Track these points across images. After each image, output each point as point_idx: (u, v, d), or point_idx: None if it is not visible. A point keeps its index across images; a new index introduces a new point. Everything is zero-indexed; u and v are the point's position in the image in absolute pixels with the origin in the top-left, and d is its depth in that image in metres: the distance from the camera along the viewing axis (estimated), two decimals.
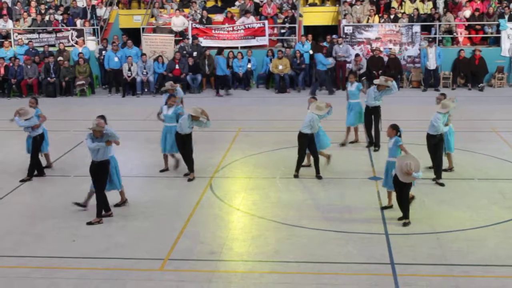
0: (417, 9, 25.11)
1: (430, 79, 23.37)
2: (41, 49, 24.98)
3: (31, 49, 24.73)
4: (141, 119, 18.92)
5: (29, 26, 26.16)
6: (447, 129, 12.96)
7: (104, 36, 25.73)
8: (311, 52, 23.87)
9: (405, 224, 10.80)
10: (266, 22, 24.91)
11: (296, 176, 13.51)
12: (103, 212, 11.34)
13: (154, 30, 25.83)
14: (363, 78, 22.51)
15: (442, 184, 12.78)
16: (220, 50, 23.90)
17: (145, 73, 23.57)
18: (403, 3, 25.80)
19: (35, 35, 25.71)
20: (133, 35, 25.55)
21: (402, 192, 10.82)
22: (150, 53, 24.32)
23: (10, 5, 27.62)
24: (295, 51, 23.73)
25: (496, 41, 24.43)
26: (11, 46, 25.13)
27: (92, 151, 11.11)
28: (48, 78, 23.54)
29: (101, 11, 26.85)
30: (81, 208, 11.72)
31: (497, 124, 17.65)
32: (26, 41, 25.19)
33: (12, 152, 15.26)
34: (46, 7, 27.30)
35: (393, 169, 11.13)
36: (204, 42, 24.82)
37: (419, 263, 9.46)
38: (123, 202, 12.02)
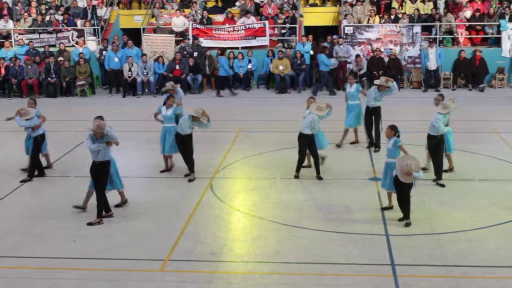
0: (417, 9, 25.11)
1: (430, 80, 23.37)
2: (42, 49, 24.97)
3: (31, 49, 24.73)
4: (141, 119, 18.90)
5: (30, 26, 26.17)
6: (448, 129, 12.95)
7: (104, 36, 25.73)
8: (311, 52, 23.88)
9: (407, 225, 10.80)
10: (266, 22, 24.90)
11: (296, 176, 13.51)
12: (104, 213, 11.34)
13: (155, 31, 25.83)
14: (363, 79, 22.52)
15: (442, 185, 12.78)
16: (222, 50, 23.91)
17: (145, 73, 23.57)
18: (403, 3, 25.80)
19: (35, 35, 25.70)
20: (134, 36, 25.54)
21: (403, 192, 10.82)
22: (151, 54, 24.31)
23: (10, 5, 27.63)
24: (296, 52, 23.73)
25: (497, 42, 24.42)
26: (11, 46, 25.13)
27: (92, 152, 11.12)
28: (49, 78, 23.54)
29: (101, 11, 26.85)
30: (81, 210, 11.73)
31: (498, 125, 17.64)
32: (27, 41, 25.19)
33: (12, 153, 15.25)
34: (47, 7, 27.31)
35: (392, 170, 11.14)
36: (204, 42, 24.81)
37: (419, 264, 9.46)
38: (123, 203, 12.03)
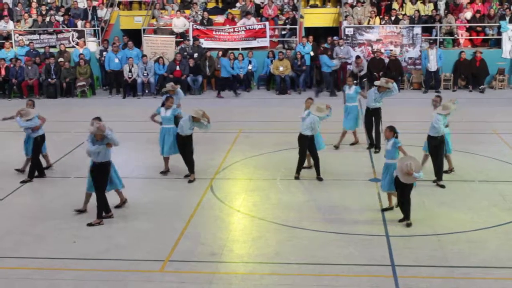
0: (418, 10, 25.10)
1: (431, 81, 23.36)
2: (42, 50, 24.97)
3: (32, 50, 24.73)
4: (141, 120, 18.85)
5: (30, 27, 26.17)
6: (448, 130, 12.95)
7: (105, 37, 25.73)
8: (312, 53, 23.88)
9: (408, 225, 10.80)
10: (267, 23, 24.91)
11: (297, 177, 13.51)
12: (104, 214, 11.34)
13: (155, 31, 25.83)
14: (364, 80, 22.54)
15: (442, 186, 12.78)
16: (225, 52, 23.92)
17: (145, 74, 23.57)
18: (404, 4, 25.80)
19: (36, 36, 25.70)
20: (134, 36, 25.55)
21: (404, 193, 10.82)
22: (151, 54, 24.32)
23: (11, 6, 27.63)
24: (296, 53, 23.73)
25: (497, 43, 24.41)
26: (12, 47, 25.14)
27: (92, 153, 11.11)
28: (49, 79, 23.54)
29: (102, 12, 26.86)
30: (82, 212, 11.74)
31: (498, 126, 17.64)
32: (27, 42, 25.19)
33: (12, 153, 15.24)
34: (47, 8, 27.32)
35: (391, 171, 11.15)
36: (205, 43, 24.82)
37: (419, 265, 9.45)
38: (123, 203, 12.03)
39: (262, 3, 26.43)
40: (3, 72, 23.78)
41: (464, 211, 11.59)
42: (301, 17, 25.93)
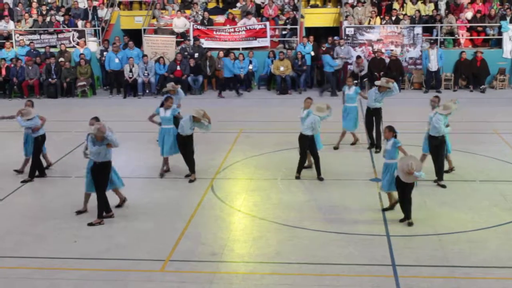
0: (418, 10, 25.08)
1: (431, 81, 23.35)
2: (43, 50, 24.97)
3: (32, 50, 24.73)
4: (142, 120, 18.84)
5: (31, 27, 26.17)
6: (448, 130, 12.93)
7: (105, 37, 25.73)
8: (312, 53, 23.88)
9: (409, 224, 10.80)
10: (267, 23, 24.90)
11: (297, 177, 13.50)
12: (104, 213, 11.33)
13: (156, 31, 25.83)
14: (364, 80, 22.53)
15: (443, 186, 12.77)
16: (227, 52, 23.93)
17: (146, 74, 23.57)
18: (404, 4, 25.79)
19: (36, 36, 25.70)
20: (135, 36, 25.54)
21: (405, 192, 10.81)
22: (152, 54, 24.32)
23: (11, 6, 27.63)
24: (297, 53, 23.72)
25: (498, 43, 24.40)
26: (12, 47, 25.14)
27: (93, 154, 11.09)
28: (49, 79, 23.54)
29: (102, 12, 26.86)
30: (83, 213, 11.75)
31: (499, 126, 17.63)
32: (28, 42, 25.19)
33: (12, 153, 15.23)
34: (48, 8, 27.31)
35: (390, 171, 11.15)
36: (205, 43, 24.81)
37: (420, 264, 9.45)
38: (122, 202, 12.00)
39: (263, 3, 26.43)
40: (3, 72, 23.78)
41: (465, 211, 11.58)
42: (302, 17, 25.92)
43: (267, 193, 12.73)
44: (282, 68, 23.38)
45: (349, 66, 23.67)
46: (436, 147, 12.73)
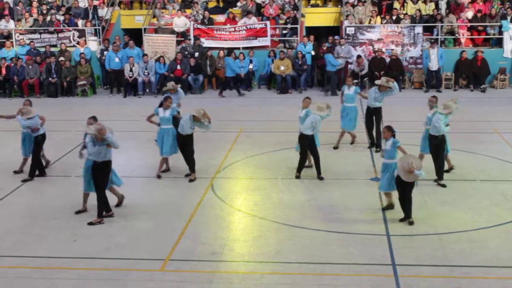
0: (419, 10, 25.07)
1: (432, 80, 23.34)
2: (43, 49, 24.96)
3: (32, 49, 24.73)
4: (142, 119, 18.85)
5: (31, 26, 26.16)
6: (448, 130, 12.91)
7: (105, 37, 25.72)
8: (313, 53, 23.87)
9: (410, 223, 10.79)
10: (268, 22, 24.89)
11: (297, 177, 13.49)
12: (104, 213, 11.32)
13: (156, 31, 25.82)
14: (365, 79, 22.51)
15: (444, 185, 12.76)
16: (229, 51, 23.92)
17: (146, 73, 23.56)
18: (405, 4, 25.77)
19: (36, 35, 25.70)
20: (135, 36, 25.54)
21: (405, 192, 10.80)
22: (152, 54, 24.31)
23: (12, 5, 27.64)
24: (297, 52, 23.70)
25: (498, 42, 24.37)
26: (12, 46, 25.14)
27: (93, 153, 11.07)
28: (50, 78, 23.54)
29: (102, 12, 26.85)
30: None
31: (499, 126, 17.61)
32: (28, 41, 25.19)
33: (11, 153, 15.20)
34: (48, 7, 27.32)
35: (390, 171, 11.13)
36: (205, 42, 24.80)
37: (420, 264, 9.43)
38: (120, 200, 11.95)
39: (263, 2, 26.41)
40: (4, 71, 23.78)
41: (465, 210, 11.57)
42: (302, 16, 25.91)
43: (267, 193, 12.71)
44: (282, 68, 23.36)
45: (349, 66, 23.65)
46: (436, 146, 12.71)
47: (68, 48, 24.79)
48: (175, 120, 13.65)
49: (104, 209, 11.31)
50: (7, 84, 23.74)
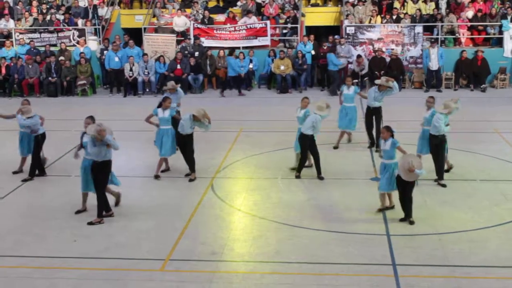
0: (419, 9, 25.06)
1: (432, 80, 23.33)
2: (43, 48, 24.95)
3: (32, 49, 24.71)
4: (142, 119, 18.84)
5: (31, 26, 26.15)
6: (448, 129, 12.91)
7: (105, 36, 25.71)
8: (313, 52, 23.86)
9: (411, 223, 10.78)
10: (268, 22, 24.88)
11: (297, 176, 13.48)
12: (104, 212, 11.32)
13: (156, 30, 25.81)
14: (365, 79, 22.50)
15: (444, 185, 12.75)
16: (231, 51, 23.91)
17: (146, 73, 23.56)
18: (405, 3, 25.76)
19: (36, 35, 25.69)
20: (135, 35, 25.53)
21: (406, 192, 10.79)
22: (152, 53, 24.31)
23: (11, 4, 27.63)
24: (297, 52, 23.69)
25: (499, 42, 24.37)
26: (12, 45, 25.13)
27: (93, 153, 11.07)
28: (50, 78, 23.53)
29: (102, 11, 26.84)
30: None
31: (500, 125, 17.61)
32: (28, 41, 25.18)
33: (10, 152, 15.19)
34: (48, 6, 27.31)
35: (389, 171, 11.12)
36: (206, 42, 24.80)
37: (420, 264, 9.43)
38: (118, 198, 11.91)
39: (263, 1, 26.40)
40: (3, 70, 23.77)
41: (465, 210, 11.57)
42: (302, 15, 25.89)
43: (267, 192, 12.71)
44: (282, 67, 23.35)
45: (349, 65, 23.64)
46: (436, 146, 12.70)
47: (68, 48, 24.79)
48: (175, 121, 13.61)
49: (104, 209, 11.30)
50: (6, 83, 23.73)
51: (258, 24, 24.92)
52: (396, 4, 25.60)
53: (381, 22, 24.76)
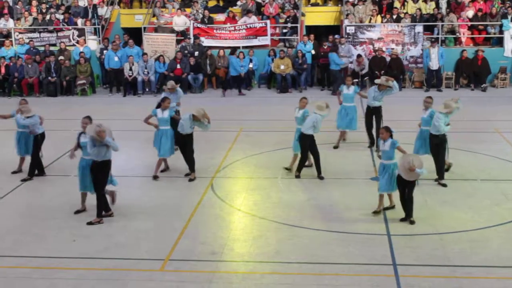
0: (419, 9, 25.05)
1: (432, 80, 23.31)
2: (42, 48, 24.94)
3: (32, 48, 24.69)
4: (142, 118, 18.81)
5: (30, 25, 26.13)
6: (448, 129, 12.87)
7: (105, 36, 25.70)
8: (313, 52, 23.84)
9: (411, 223, 10.75)
10: (268, 21, 24.87)
11: (297, 176, 13.45)
12: (104, 212, 11.29)
13: (156, 30, 25.79)
14: (365, 78, 22.48)
15: (444, 185, 12.72)
16: (233, 50, 23.88)
17: (146, 72, 23.54)
18: (405, 3, 25.74)
19: (36, 34, 25.67)
20: (135, 35, 25.52)
21: (406, 191, 10.76)
22: (152, 53, 24.28)
23: (11, 4, 27.61)
24: (297, 51, 23.67)
25: (499, 42, 24.36)
26: (12, 45, 25.11)
27: (92, 153, 11.03)
28: (49, 78, 23.51)
29: (102, 10, 26.82)
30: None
31: (500, 125, 17.59)
32: (27, 40, 25.17)
33: (9, 152, 15.14)
34: (47, 6, 27.30)
35: (389, 171, 11.10)
36: (205, 41, 24.78)
37: (421, 264, 9.40)
38: (113, 197, 11.83)
39: (263, 1, 26.39)
40: (3, 70, 23.74)
41: (466, 210, 11.54)
42: (302, 15, 25.88)
43: (267, 192, 12.68)
44: (282, 67, 23.33)
45: (349, 65, 23.61)
46: (437, 145, 12.68)
47: (67, 47, 24.78)
48: (174, 121, 13.57)
49: (103, 209, 11.27)
50: (6, 83, 23.71)
51: (258, 23, 24.90)
52: (396, 4, 25.58)
53: (381, 22, 24.74)
